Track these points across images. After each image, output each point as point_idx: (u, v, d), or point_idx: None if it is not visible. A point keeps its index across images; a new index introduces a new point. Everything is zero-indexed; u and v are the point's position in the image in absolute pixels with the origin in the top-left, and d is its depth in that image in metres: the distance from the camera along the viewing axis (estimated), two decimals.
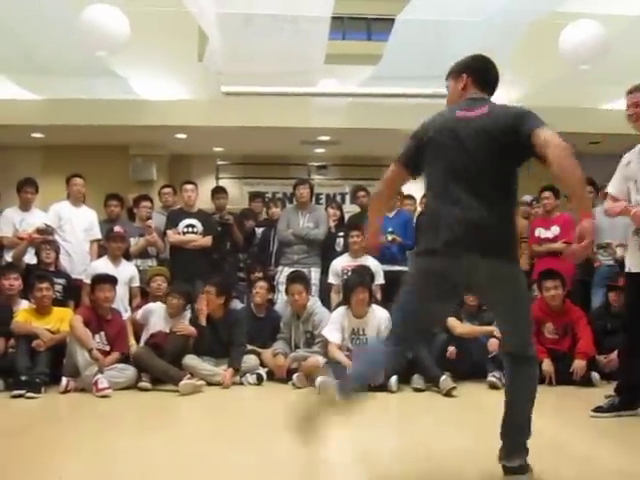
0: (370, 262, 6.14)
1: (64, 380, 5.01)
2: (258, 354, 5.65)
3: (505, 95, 5.04)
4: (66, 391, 4.97)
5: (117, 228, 6.37)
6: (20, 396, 4.74)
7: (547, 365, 5.23)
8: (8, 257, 6.31)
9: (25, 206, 6.51)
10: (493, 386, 5.09)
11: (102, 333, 5.36)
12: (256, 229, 7.22)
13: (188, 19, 7.54)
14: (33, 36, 7.30)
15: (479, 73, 2.85)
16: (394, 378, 5.02)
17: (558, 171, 2.45)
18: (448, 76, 2.94)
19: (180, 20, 8.12)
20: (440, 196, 2.69)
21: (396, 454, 3.41)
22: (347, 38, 10.75)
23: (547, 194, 6.36)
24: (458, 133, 2.66)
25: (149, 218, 6.69)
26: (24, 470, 2.89)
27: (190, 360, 5.36)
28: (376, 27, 11.20)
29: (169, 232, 6.52)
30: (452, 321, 5.53)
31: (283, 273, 6.40)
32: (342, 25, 10.38)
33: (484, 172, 2.60)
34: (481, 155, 2.60)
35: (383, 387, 4.92)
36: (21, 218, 6.44)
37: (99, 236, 6.56)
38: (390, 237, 6.28)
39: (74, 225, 6.50)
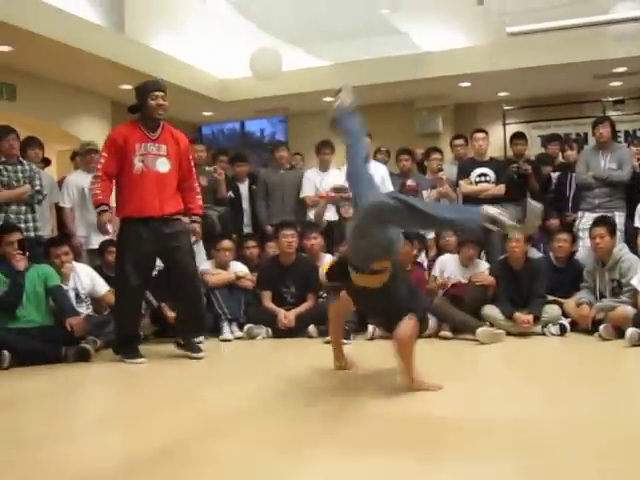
0: None
1: (370, 328, 5.30)
2: (560, 304, 5.42)
3: None
4: (372, 338, 5.26)
5: (410, 182, 6.53)
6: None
7: None
8: (311, 215, 6.81)
9: (324, 167, 6.95)
10: None
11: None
12: (552, 174, 6.88)
13: None
14: (317, 3, 7.72)
15: None
16: None
17: None
18: None
19: None
20: None
21: None
22: None
23: None
24: None
25: (440, 170, 6.72)
26: (340, 406, 3.12)
27: (489, 310, 5.33)
28: None
29: (461, 182, 6.48)
30: None
31: (583, 219, 6.03)
32: None
33: None
34: None
35: None
36: (321, 178, 6.88)
37: (392, 189, 6.76)
38: None
39: None
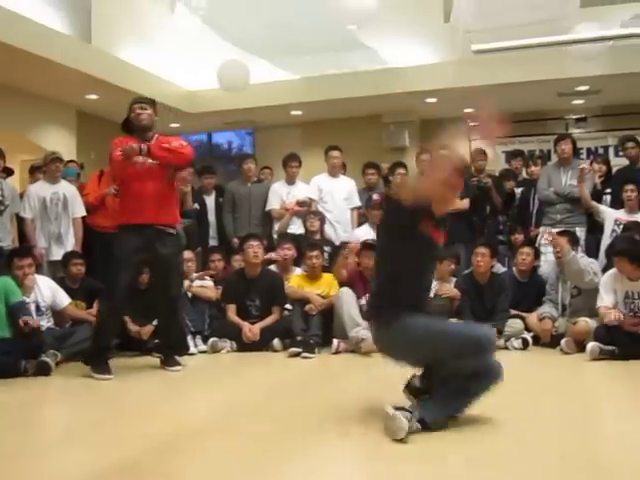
0: None
1: (335, 342, 5.30)
2: (523, 318, 5.49)
3: None
4: (337, 352, 5.26)
5: (376, 196, 6.56)
6: (297, 355, 5.11)
7: None
8: (276, 227, 6.81)
9: (291, 180, 6.96)
10: None
11: (367, 295, 5.53)
12: (515, 189, 6.98)
13: None
14: (285, 17, 7.75)
15: None
16: None
17: None
18: None
19: None
20: None
21: None
22: None
23: None
24: None
25: None
26: (304, 422, 3.10)
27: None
28: None
29: None
30: None
31: (545, 234, 6.12)
32: None
33: None
34: None
35: None
36: (287, 191, 6.89)
37: (359, 204, 6.81)
38: None
39: (334, 195, 6.79)
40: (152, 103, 4.69)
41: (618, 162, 7.89)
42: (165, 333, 4.84)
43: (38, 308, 5.13)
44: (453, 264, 5.86)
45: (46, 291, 5.23)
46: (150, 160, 4.44)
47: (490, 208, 6.76)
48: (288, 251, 6.04)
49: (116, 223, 4.69)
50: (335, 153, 6.87)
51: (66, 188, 6.17)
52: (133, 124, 4.59)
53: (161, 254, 4.54)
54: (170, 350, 4.76)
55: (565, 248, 5.32)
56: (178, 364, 4.68)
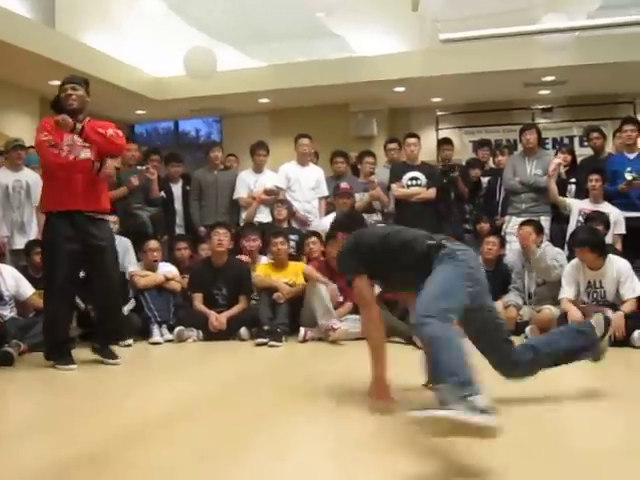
0: (610, 209, 5.75)
1: (302, 330, 5.31)
2: None
3: None
4: (304, 340, 5.27)
5: (344, 184, 6.56)
6: (263, 344, 5.10)
7: None
8: (243, 216, 6.77)
9: (258, 168, 6.92)
10: None
11: (335, 285, 5.55)
12: (482, 178, 7.04)
13: None
14: (253, 4, 7.70)
15: None
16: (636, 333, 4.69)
17: None
18: None
19: None
20: None
21: None
22: None
23: None
24: None
25: (372, 173, 6.79)
26: (270, 411, 3.10)
27: None
28: None
29: (393, 186, 6.56)
30: None
31: (511, 223, 6.19)
32: None
33: None
34: None
35: None
36: (255, 179, 6.85)
37: (326, 193, 6.79)
38: (629, 176, 5.83)
39: (302, 184, 6.77)
40: (85, 83, 4.47)
41: (583, 152, 8.01)
42: (102, 323, 4.61)
43: (1, 297, 5.03)
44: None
45: (10, 280, 5.12)
46: (80, 140, 4.29)
47: (456, 195, 6.82)
48: (253, 242, 6.02)
49: (45, 210, 4.51)
50: (305, 141, 6.84)
51: (29, 176, 6.04)
52: (62, 105, 4.38)
53: (93, 241, 4.40)
54: (105, 339, 4.59)
55: (532, 247, 5.40)
56: (115, 357, 4.49)
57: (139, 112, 10.69)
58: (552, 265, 5.35)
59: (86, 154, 4.36)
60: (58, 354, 4.35)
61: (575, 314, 4.88)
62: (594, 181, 5.95)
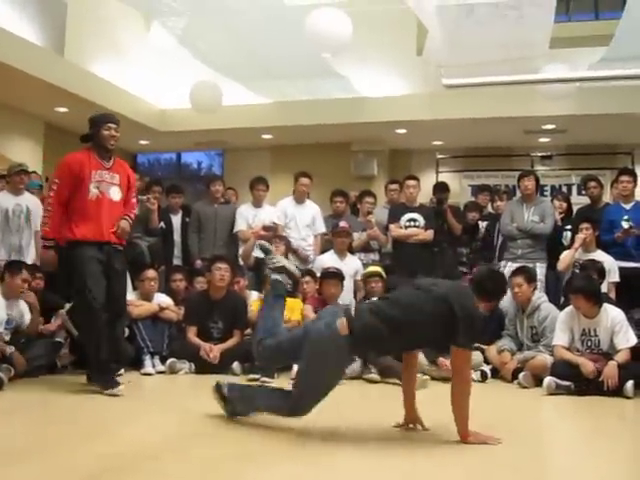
0: (604, 257, 5.78)
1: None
2: (482, 351, 5.53)
3: None
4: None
5: (342, 223, 6.60)
6: (255, 380, 5.05)
7: None
8: (241, 251, 6.78)
9: (257, 203, 6.97)
10: None
11: None
12: (480, 223, 7.09)
13: (407, 15, 7.62)
14: (260, 42, 7.81)
15: None
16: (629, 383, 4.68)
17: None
18: None
19: (399, 16, 8.24)
20: None
21: None
22: (573, 20, 10.19)
23: None
24: None
25: (370, 213, 6.84)
26: (261, 446, 3.08)
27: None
28: (604, 5, 10.49)
29: (391, 226, 6.61)
30: None
31: (507, 268, 6.21)
32: (567, 6, 9.86)
33: None
34: None
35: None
36: (254, 214, 6.89)
37: (322, 229, 6.84)
38: (626, 225, 5.88)
39: (298, 221, 6.81)
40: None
41: (581, 200, 8.06)
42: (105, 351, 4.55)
43: (8, 322, 5.03)
44: None
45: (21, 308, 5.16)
46: (109, 176, 4.59)
47: (448, 230, 6.88)
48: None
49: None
50: (305, 180, 6.89)
51: (29, 200, 6.09)
52: (100, 142, 4.57)
53: (116, 266, 4.59)
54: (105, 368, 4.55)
55: (525, 304, 5.48)
56: (117, 385, 4.42)
57: (142, 142, 10.77)
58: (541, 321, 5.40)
59: (115, 193, 4.60)
60: (103, 377, 4.40)
61: (588, 366, 4.79)
62: (584, 230, 5.98)
